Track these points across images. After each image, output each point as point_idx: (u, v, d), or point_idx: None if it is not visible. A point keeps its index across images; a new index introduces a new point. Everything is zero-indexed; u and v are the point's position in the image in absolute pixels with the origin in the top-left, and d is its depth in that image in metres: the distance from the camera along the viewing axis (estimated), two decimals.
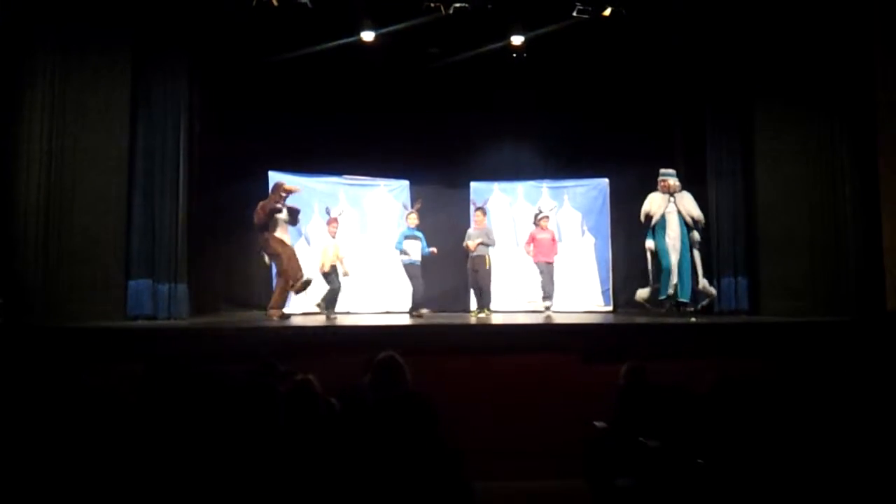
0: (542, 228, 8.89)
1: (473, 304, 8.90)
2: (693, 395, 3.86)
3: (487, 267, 8.55)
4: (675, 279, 8.27)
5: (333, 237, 8.49)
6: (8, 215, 7.00)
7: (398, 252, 8.62)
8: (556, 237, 9.06)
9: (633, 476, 4.00)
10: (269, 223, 8.02)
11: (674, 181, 8.49)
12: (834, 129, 8.35)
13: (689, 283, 8.34)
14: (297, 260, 8.14)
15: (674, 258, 8.29)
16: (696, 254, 8.45)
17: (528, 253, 8.97)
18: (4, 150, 7.03)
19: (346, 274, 8.49)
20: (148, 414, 3.08)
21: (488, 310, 8.57)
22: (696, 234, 8.44)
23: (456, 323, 7.99)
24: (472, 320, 8.33)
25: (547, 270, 8.77)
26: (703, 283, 8.41)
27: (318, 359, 5.57)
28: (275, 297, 8.14)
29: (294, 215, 8.40)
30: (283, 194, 8.18)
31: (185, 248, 7.94)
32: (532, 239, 8.91)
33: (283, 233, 8.14)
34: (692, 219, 8.39)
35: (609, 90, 9.74)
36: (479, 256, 8.53)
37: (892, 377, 4.22)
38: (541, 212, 9.10)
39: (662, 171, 8.60)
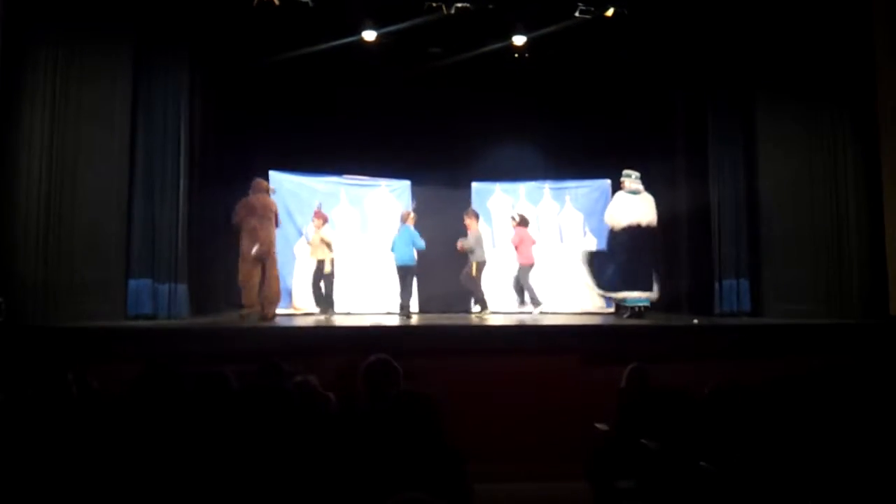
0: (514, 230, 8.87)
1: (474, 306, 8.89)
2: (695, 397, 3.83)
3: (473, 275, 8.55)
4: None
5: (319, 229, 8.46)
6: (8, 214, 6.98)
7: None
8: (527, 238, 8.86)
9: (635, 478, 3.98)
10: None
11: (631, 183, 8.40)
12: (837, 130, 8.33)
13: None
14: (276, 281, 7.99)
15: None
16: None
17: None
18: (5, 148, 7.01)
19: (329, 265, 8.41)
20: (147, 414, 3.05)
21: (486, 312, 8.57)
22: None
23: (456, 324, 7.97)
24: (474, 319, 8.31)
25: (520, 273, 8.70)
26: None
27: (318, 359, 5.54)
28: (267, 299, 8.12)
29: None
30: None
31: (186, 248, 7.94)
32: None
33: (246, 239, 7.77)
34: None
35: (611, 90, 9.74)
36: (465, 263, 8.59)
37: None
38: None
39: (625, 171, 8.51)
